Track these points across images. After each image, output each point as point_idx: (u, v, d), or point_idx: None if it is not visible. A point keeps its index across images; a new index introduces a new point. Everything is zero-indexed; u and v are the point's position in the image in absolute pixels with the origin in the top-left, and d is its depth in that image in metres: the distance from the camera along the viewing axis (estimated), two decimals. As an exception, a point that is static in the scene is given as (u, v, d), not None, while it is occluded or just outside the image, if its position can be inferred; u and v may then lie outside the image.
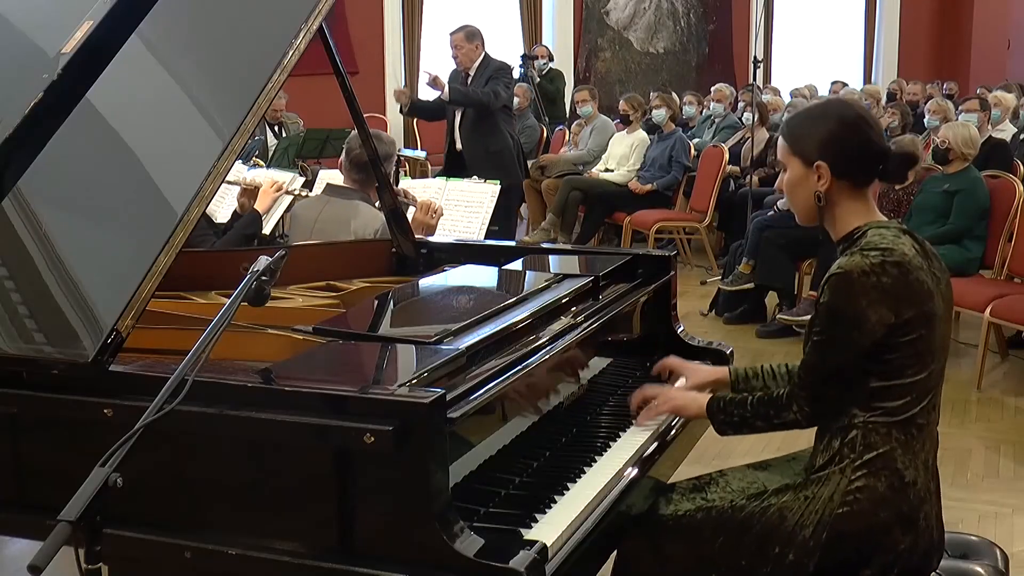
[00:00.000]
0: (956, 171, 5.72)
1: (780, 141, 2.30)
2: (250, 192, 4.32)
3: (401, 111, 6.90)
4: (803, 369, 2.19)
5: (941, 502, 2.28)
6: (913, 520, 2.15)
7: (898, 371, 2.13)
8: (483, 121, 6.43)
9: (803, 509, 2.17)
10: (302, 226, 3.90)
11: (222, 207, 4.85)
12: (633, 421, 2.52)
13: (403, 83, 12.30)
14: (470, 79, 6.47)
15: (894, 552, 2.14)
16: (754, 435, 4.23)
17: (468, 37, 6.44)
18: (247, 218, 4.16)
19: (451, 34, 6.57)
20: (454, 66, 6.63)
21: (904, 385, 2.13)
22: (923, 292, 2.12)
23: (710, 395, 2.39)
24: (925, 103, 9.03)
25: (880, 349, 2.11)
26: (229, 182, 4.79)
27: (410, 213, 3.92)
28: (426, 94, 7.37)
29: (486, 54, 6.50)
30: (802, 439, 2.37)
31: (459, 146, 6.58)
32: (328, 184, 4.23)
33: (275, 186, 4.29)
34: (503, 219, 5.55)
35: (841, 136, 2.20)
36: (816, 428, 2.27)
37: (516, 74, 10.72)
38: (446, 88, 6.42)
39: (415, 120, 11.93)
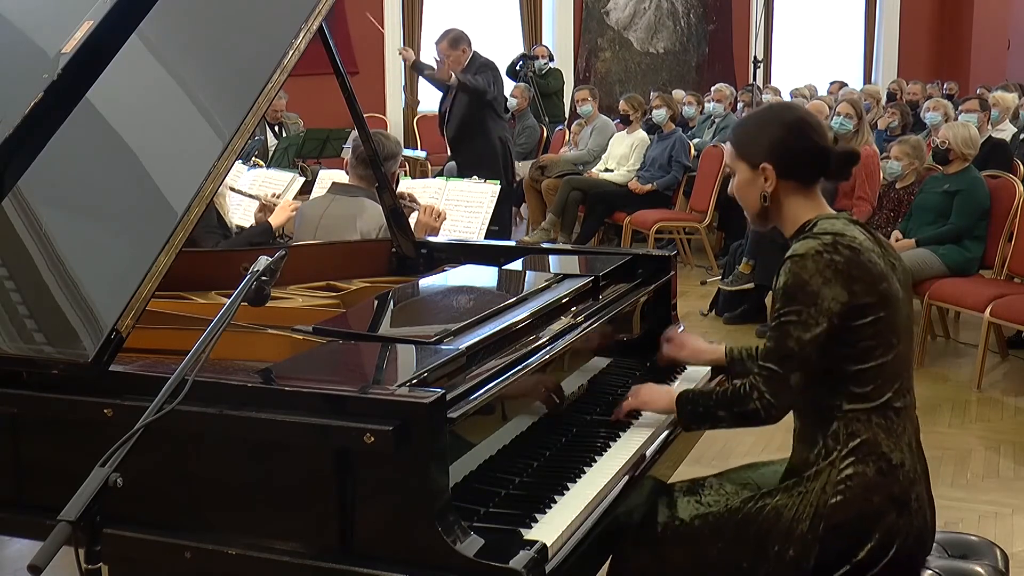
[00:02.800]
0: (956, 171, 5.71)
1: (727, 147, 2.38)
2: (268, 208, 4.39)
3: (414, 67, 6.92)
4: (762, 356, 2.22)
5: (931, 485, 2.30)
6: (905, 501, 2.18)
7: (864, 355, 2.16)
8: (470, 120, 6.42)
9: (797, 504, 2.19)
10: (307, 224, 3.91)
11: (238, 211, 4.89)
12: (632, 422, 2.52)
13: (403, 84, 12.31)
14: (466, 75, 6.47)
15: (889, 535, 2.15)
16: (753, 435, 4.24)
17: (452, 43, 6.43)
18: (259, 228, 4.23)
19: (436, 43, 6.57)
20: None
21: (872, 369, 2.17)
22: (876, 273, 2.17)
23: (679, 391, 2.41)
24: (925, 103, 9.03)
25: (843, 333, 2.14)
26: (251, 196, 4.85)
27: (413, 217, 3.93)
28: (426, 94, 7.39)
29: (475, 53, 6.50)
30: (802, 439, 2.37)
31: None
32: (333, 183, 4.24)
33: (292, 205, 4.33)
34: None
35: (783, 139, 2.28)
36: (798, 428, 2.29)
37: (516, 74, 10.80)
38: (453, 77, 6.43)
39: (415, 120, 11.96)
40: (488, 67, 6.45)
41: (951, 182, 5.69)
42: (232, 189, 4.90)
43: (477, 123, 6.43)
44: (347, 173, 4.17)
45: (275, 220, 4.23)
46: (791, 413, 2.27)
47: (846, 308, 2.13)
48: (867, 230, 2.26)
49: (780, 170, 2.27)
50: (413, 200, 4.11)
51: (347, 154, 4.67)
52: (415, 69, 7.08)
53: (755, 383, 2.20)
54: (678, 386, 2.75)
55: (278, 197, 4.81)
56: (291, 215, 4.28)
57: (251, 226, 4.49)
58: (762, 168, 2.28)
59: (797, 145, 2.27)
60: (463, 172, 6.45)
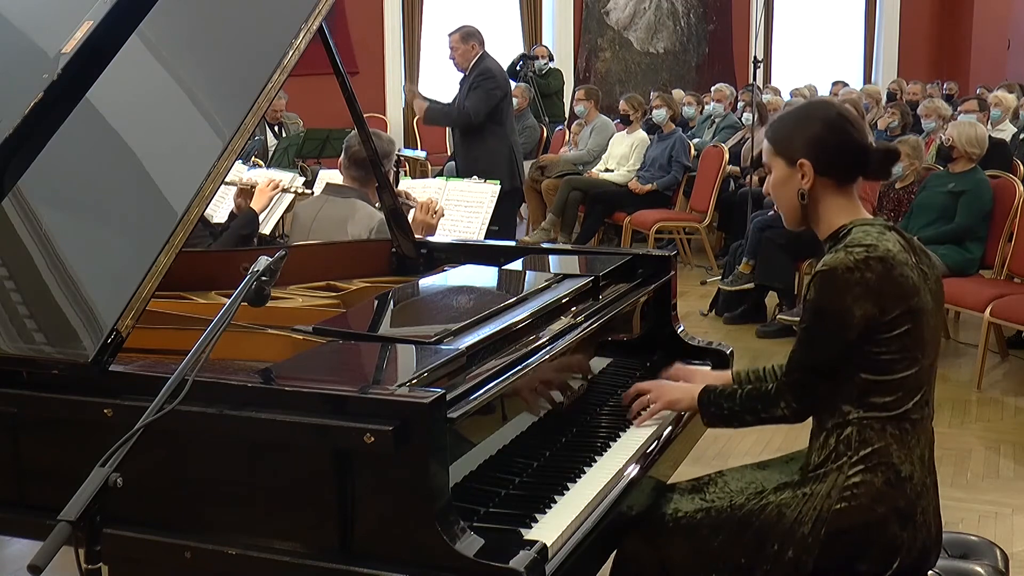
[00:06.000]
0: (962, 171, 5.71)
1: (765, 144, 2.35)
2: (246, 192, 4.29)
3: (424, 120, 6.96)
4: (789, 364, 2.23)
5: (939, 498, 2.28)
6: (910, 515, 2.16)
7: (888, 366, 2.14)
8: (478, 131, 6.46)
9: (801, 506, 2.18)
10: (301, 226, 3.91)
11: (220, 208, 4.85)
12: (632, 422, 2.52)
13: (403, 84, 12.30)
14: (467, 79, 6.47)
15: (892, 547, 2.14)
16: (753, 435, 4.24)
17: (464, 38, 6.43)
18: (243, 217, 4.13)
19: (449, 35, 6.58)
20: (453, 67, 6.64)
21: (895, 380, 2.15)
22: (908, 287, 2.14)
23: (702, 387, 2.41)
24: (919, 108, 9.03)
25: (867, 343, 2.13)
26: (226, 182, 4.78)
27: (411, 215, 3.92)
28: (427, 94, 7.40)
29: (483, 53, 6.48)
30: (801, 439, 2.37)
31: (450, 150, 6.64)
32: (327, 183, 4.22)
33: (271, 184, 4.26)
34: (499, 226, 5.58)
35: (823, 135, 2.24)
36: (812, 427, 2.28)
37: (516, 74, 10.80)
38: (423, 107, 6.47)
39: (415, 120, 11.96)
40: (487, 77, 6.41)
41: (956, 182, 5.69)
42: None
43: (478, 129, 6.44)
44: (340, 173, 4.15)
45: (257, 204, 4.14)
46: None
47: (875, 323, 2.11)
48: (902, 235, 2.23)
49: (818, 167, 2.23)
50: (409, 198, 4.10)
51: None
52: (430, 121, 7.08)
53: (781, 390, 2.23)
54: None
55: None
56: (272, 195, 4.22)
57: (231, 213, 4.42)
58: (800, 164, 2.23)
59: (836, 141, 2.24)
60: (462, 175, 6.46)
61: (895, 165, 2.30)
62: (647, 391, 2.53)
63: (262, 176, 5.68)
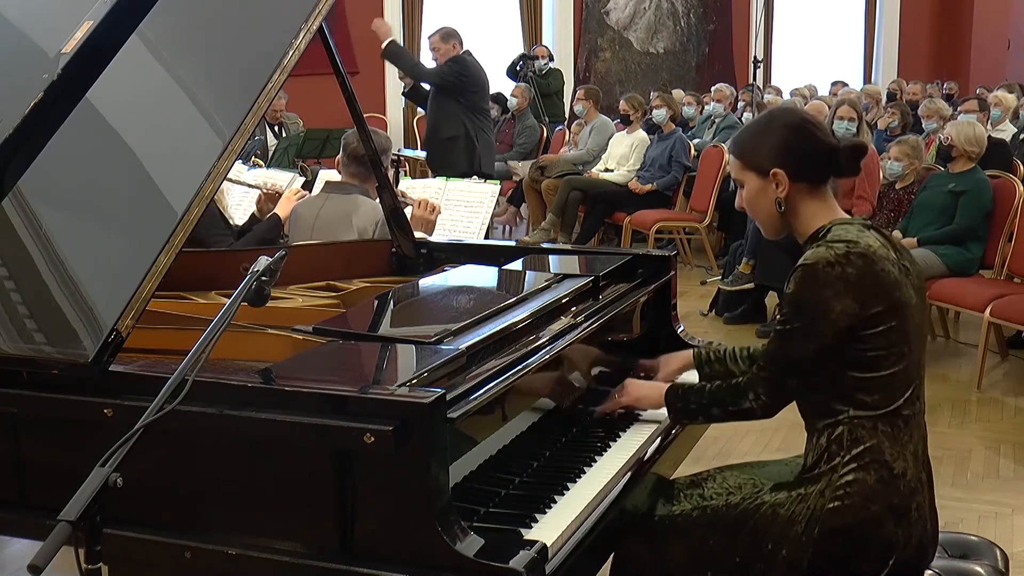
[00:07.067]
0: (962, 171, 5.71)
1: (732, 160, 2.35)
2: (271, 197, 4.31)
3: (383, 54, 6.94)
4: (764, 358, 2.22)
5: (934, 494, 2.28)
6: (905, 511, 2.16)
7: (875, 363, 2.14)
8: (441, 108, 6.53)
9: (795, 506, 2.18)
10: (303, 224, 3.90)
11: (238, 212, 4.85)
12: (632, 423, 2.52)
13: (403, 83, 12.30)
14: None
15: (887, 545, 2.14)
16: (752, 435, 4.24)
17: (444, 38, 6.54)
18: (267, 222, 4.11)
19: (429, 37, 6.69)
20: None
21: (883, 377, 2.15)
22: (890, 282, 2.14)
23: (669, 384, 2.42)
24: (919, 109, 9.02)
25: (853, 340, 2.12)
26: (250, 185, 4.80)
27: (408, 212, 3.92)
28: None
29: (466, 52, 6.57)
30: (801, 440, 2.37)
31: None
32: (327, 182, 4.22)
33: (298, 194, 4.26)
34: None
35: (791, 140, 2.25)
36: (807, 429, 2.28)
37: (516, 74, 10.81)
38: (388, 38, 6.50)
39: (415, 120, 11.97)
40: (457, 61, 6.52)
41: (956, 181, 5.69)
42: (232, 180, 4.83)
43: (444, 118, 6.51)
44: (338, 172, 4.15)
45: (282, 211, 4.12)
46: (799, 414, 2.27)
47: (856, 320, 2.11)
48: (881, 234, 2.23)
49: (791, 173, 2.23)
50: (405, 196, 4.11)
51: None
52: (388, 55, 6.97)
53: (752, 383, 2.22)
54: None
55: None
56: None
57: (252, 215, 4.42)
58: (773, 174, 2.24)
59: (804, 145, 2.25)
60: (432, 167, 6.55)
61: (863, 159, 2.31)
62: (618, 393, 2.53)
63: (278, 176, 5.69)
